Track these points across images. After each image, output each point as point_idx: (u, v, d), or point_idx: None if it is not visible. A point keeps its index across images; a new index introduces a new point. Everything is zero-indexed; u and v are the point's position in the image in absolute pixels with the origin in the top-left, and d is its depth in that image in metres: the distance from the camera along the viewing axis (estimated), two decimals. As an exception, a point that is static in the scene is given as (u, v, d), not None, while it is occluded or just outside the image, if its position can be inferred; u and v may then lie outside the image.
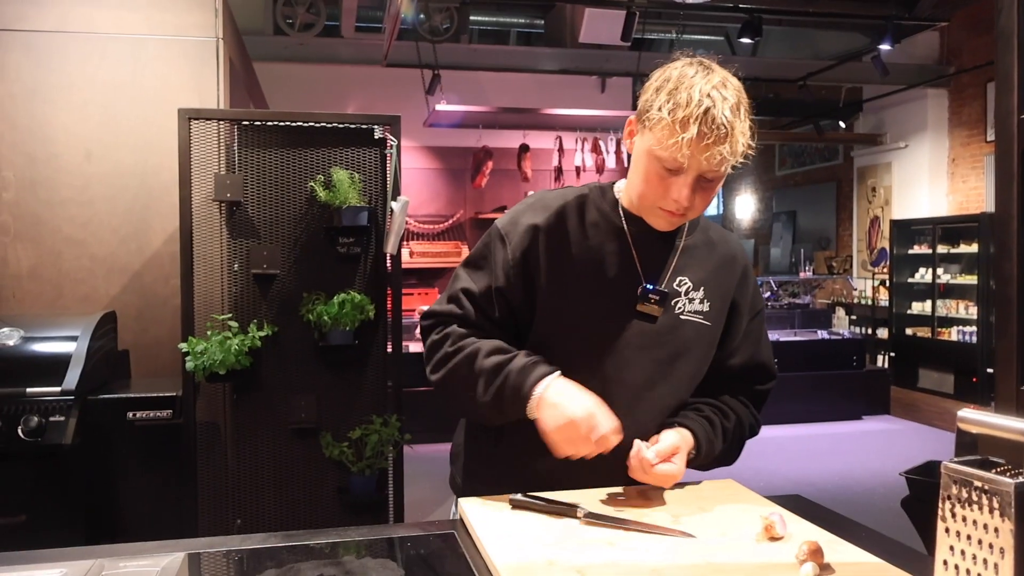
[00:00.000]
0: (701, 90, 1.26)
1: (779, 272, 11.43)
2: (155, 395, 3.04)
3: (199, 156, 3.01)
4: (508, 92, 8.50)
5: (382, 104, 7.49)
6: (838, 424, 6.95)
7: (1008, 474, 0.81)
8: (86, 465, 2.93)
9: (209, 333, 2.92)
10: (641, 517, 1.24)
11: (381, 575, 1.08)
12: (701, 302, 1.45)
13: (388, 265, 3.17)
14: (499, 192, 8.88)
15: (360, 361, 3.12)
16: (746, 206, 14.12)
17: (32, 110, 3.47)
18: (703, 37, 10.66)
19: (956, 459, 0.87)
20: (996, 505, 0.80)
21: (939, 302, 8.59)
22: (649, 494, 1.35)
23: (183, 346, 2.91)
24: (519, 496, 1.24)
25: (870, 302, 9.70)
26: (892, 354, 8.97)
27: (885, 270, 9.40)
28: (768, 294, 9.06)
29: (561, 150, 8.09)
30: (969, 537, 0.83)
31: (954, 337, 8.32)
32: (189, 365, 2.87)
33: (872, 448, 6.27)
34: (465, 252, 8.71)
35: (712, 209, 16.00)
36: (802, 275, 10.26)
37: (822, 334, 7.73)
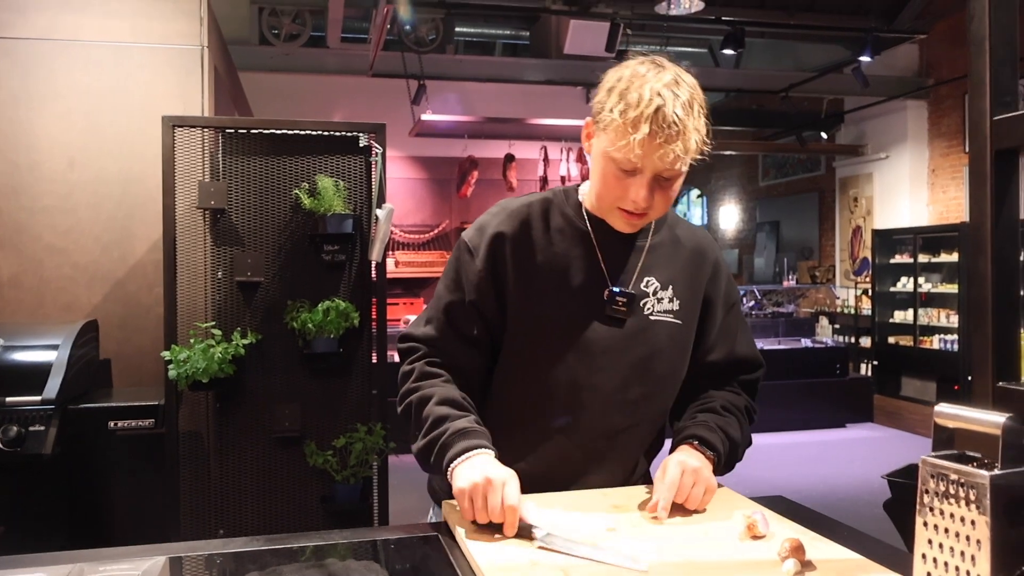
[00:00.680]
0: (652, 88, 1.25)
1: (763, 281, 11.49)
2: (137, 404, 3.03)
3: (183, 164, 3.01)
4: (494, 102, 8.54)
5: (368, 114, 7.49)
6: (822, 432, 6.98)
7: (984, 467, 0.83)
8: (67, 475, 2.91)
9: (192, 341, 2.91)
10: (620, 519, 1.24)
11: (364, 576, 1.08)
12: (670, 301, 1.44)
13: (373, 272, 3.16)
14: (485, 202, 8.89)
15: (345, 369, 3.12)
16: (730, 216, 14.20)
17: (15, 117, 3.46)
18: (687, 49, 10.75)
19: (933, 453, 0.88)
20: (972, 497, 0.82)
21: (921, 311, 8.66)
22: (630, 496, 1.36)
23: (166, 354, 2.90)
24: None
25: (853, 311, 9.77)
26: (875, 362, 9.04)
27: (867, 279, 9.48)
28: (752, 303, 9.11)
29: (546, 160, 8.12)
30: (947, 530, 0.84)
31: (936, 345, 8.39)
32: (172, 373, 2.86)
33: (856, 455, 6.31)
34: (450, 262, 8.69)
35: (696, 220, 16.09)
36: (785, 284, 10.32)
37: (806, 342, 7.78)
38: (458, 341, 1.43)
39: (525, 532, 1.14)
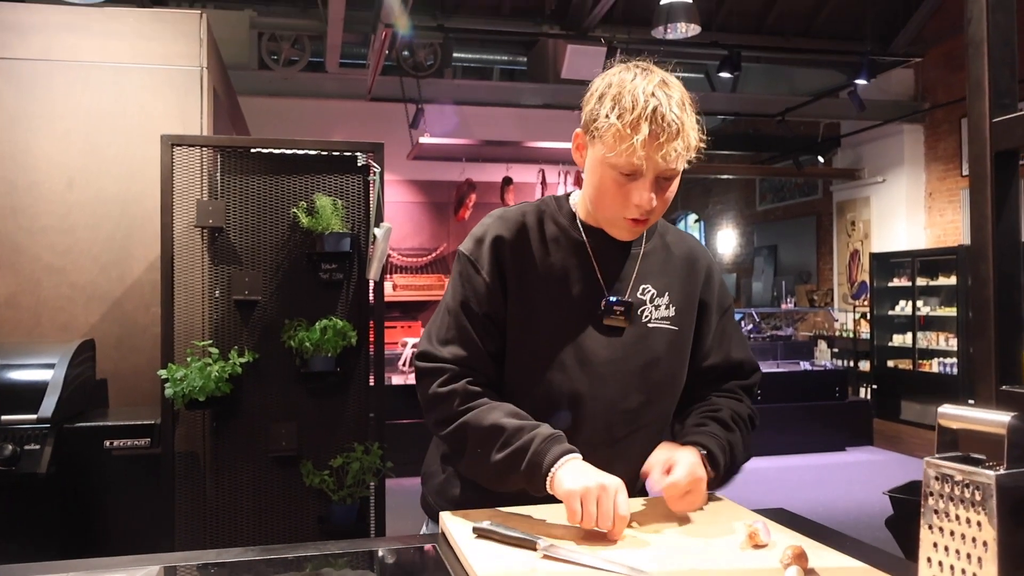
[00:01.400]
0: (644, 91, 1.27)
1: (761, 305, 11.49)
2: (133, 423, 3.00)
3: (181, 182, 3.01)
4: (491, 126, 8.58)
5: (366, 137, 7.50)
6: (822, 455, 6.94)
7: (989, 468, 0.82)
8: (62, 495, 2.88)
9: (189, 359, 2.89)
10: (624, 529, 1.22)
11: (361, 586, 1.06)
12: (667, 308, 1.43)
13: (371, 291, 3.16)
14: (482, 225, 8.89)
15: (342, 388, 3.10)
16: (728, 240, 14.24)
17: (14, 137, 3.47)
18: (683, 75, 10.81)
19: (937, 455, 0.87)
20: (978, 498, 0.80)
21: (919, 334, 8.66)
22: (632, 507, 1.34)
23: (162, 372, 2.88)
24: (484, 524, 1.18)
25: (851, 335, 9.76)
26: (874, 386, 9.01)
27: (866, 303, 9.48)
28: (750, 326, 9.10)
29: (544, 183, 8.15)
30: (952, 533, 0.83)
31: (935, 369, 8.38)
32: (168, 391, 2.84)
33: (856, 478, 6.26)
34: (448, 285, 8.70)
35: (694, 244, 16.09)
36: (784, 307, 10.32)
37: (804, 365, 7.76)
38: (486, 357, 1.40)
39: (527, 543, 1.13)
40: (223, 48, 4.64)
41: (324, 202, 3.02)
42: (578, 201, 1.47)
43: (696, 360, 1.49)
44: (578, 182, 8.14)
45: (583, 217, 1.45)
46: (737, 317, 9.60)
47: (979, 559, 0.80)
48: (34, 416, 2.82)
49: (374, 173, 3.14)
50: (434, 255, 9.20)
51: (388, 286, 8.45)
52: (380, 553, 1.21)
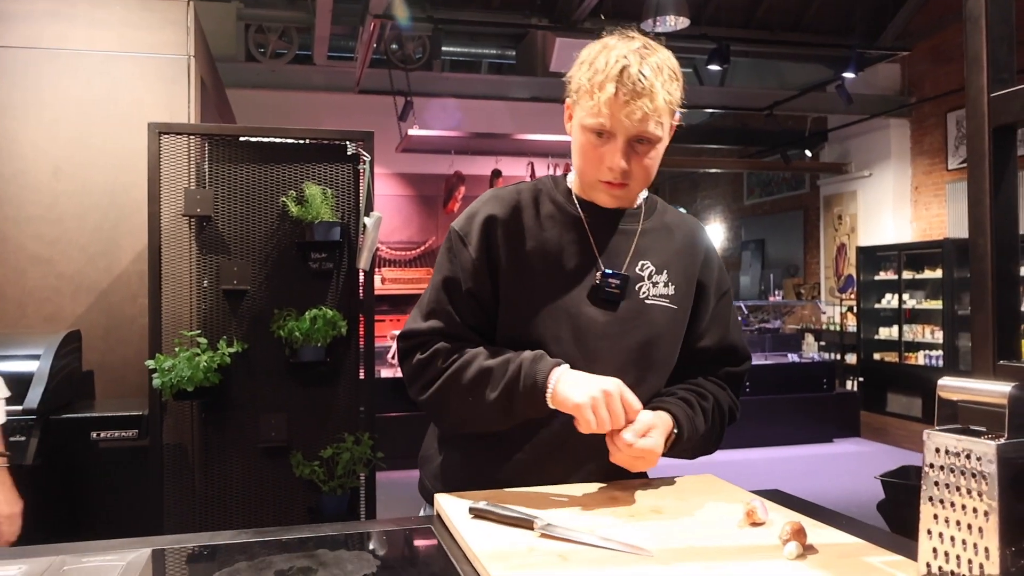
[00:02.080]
0: (619, 53, 1.29)
1: (749, 299, 11.53)
2: (120, 414, 2.98)
3: (169, 171, 2.98)
4: (481, 119, 8.56)
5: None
6: (810, 447, 6.98)
7: (990, 438, 0.81)
8: (48, 486, 2.85)
9: (177, 350, 2.87)
10: (619, 511, 1.22)
11: (357, 567, 1.05)
12: (666, 285, 1.42)
13: (361, 281, 3.14)
14: (471, 219, 8.87)
15: (332, 378, 3.08)
16: (715, 235, 14.27)
17: (0, 126, 3.43)
18: (671, 68, 10.83)
19: (938, 427, 0.87)
20: (979, 469, 0.80)
21: (905, 327, 8.70)
22: (628, 487, 1.34)
23: (150, 363, 2.85)
24: (481, 504, 1.18)
25: (838, 328, 9.81)
26: (860, 379, 9.06)
27: (852, 296, 9.52)
28: (739, 319, 9.13)
29: (533, 176, 8.13)
30: (953, 504, 0.83)
31: (921, 361, 8.43)
32: (156, 382, 2.81)
33: (844, 469, 6.30)
34: (437, 279, 8.69)
35: (682, 238, 16.13)
36: (772, 299, 10.36)
37: (792, 358, 7.79)
38: (467, 330, 1.40)
39: (525, 522, 1.12)
40: (210, 40, 4.60)
41: (314, 191, 3.00)
42: (574, 178, 1.47)
43: (690, 341, 1.48)
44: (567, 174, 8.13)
45: (579, 193, 1.45)
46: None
47: (980, 529, 0.80)
48: (20, 407, 2.78)
49: (364, 162, 3.13)
50: (423, 248, 9.18)
51: (377, 279, 8.42)
52: (376, 534, 1.20)
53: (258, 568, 1.03)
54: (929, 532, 0.85)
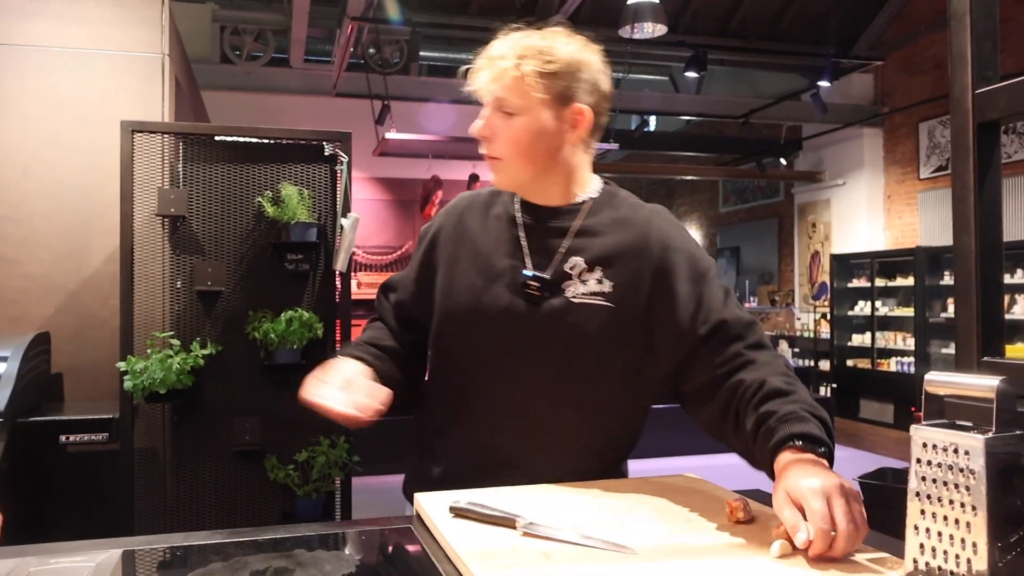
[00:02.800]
0: (502, 35, 1.40)
1: (724, 306, 11.59)
2: (90, 417, 2.92)
3: (142, 170, 2.94)
4: (458, 123, 8.54)
5: (330, 134, 7.45)
6: (784, 453, 7.01)
7: (977, 432, 0.81)
8: (15, 492, 2.78)
9: (149, 351, 2.82)
10: (600, 509, 1.20)
11: (336, 567, 1.03)
12: (599, 282, 1.36)
13: (338, 283, 3.11)
14: (448, 224, 8.84)
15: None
16: (691, 242, 14.34)
17: (-34, 123, 3.36)
18: (649, 77, 10.92)
19: (925, 422, 0.86)
20: (966, 464, 0.80)
21: (878, 334, 8.80)
22: (609, 487, 1.32)
23: (121, 365, 2.80)
24: (461, 503, 1.15)
25: (812, 335, 9.89)
26: (834, 385, 9.14)
27: (826, 303, 9.61)
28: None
29: (510, 182, 8.11)
30: (940, 499, 0.82)
31: (893, 368, 8.52)
32: (128, 384, 2.76)
33: (818, 476, 6.33)
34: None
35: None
36: (747, 306, 10.43)
37: (768, 364, 7.82)
38: (387, 332, 1.52)
39: (507, 521, 1.10)
40: (185, 41, 4.55)
41: (290, 191, 2.96)
42: None
43: (687, 336, 1.35)
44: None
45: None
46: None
47: (968, 524, 0.79)
48: (-14, 410, 2.72)
49: (341, 162, 3.10)
50: (399, 253, 9.13)
51: (352, 284, 8.37)
52: (354, 534, 1.17)
53: (233, 568, 1.00)
54: (916, 528, 0.85)
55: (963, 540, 0.80)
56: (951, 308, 7.99)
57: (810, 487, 0.99)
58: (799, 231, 10.80)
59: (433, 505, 1.19)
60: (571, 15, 7.54)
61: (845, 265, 9.29)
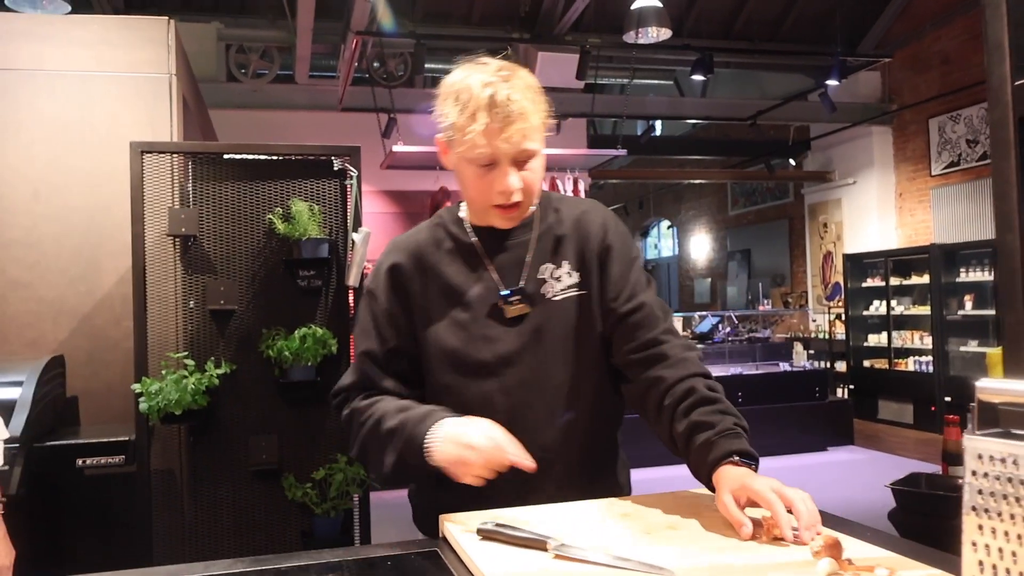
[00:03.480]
0: (480, 81, 1.30)
1: (736, 309, 11.53)
2: (106, 440, 2.90)
3: (152, 190, 2.92)
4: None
5: (338, 148, 7.44)
6: (804, 456, 6.93)
7: (1036, 442, 0.77)
8: (33, 517, 2.76)
9: (164, 372, 2.80)
10: (633, 528, 1.16)
11: (362, 596, 0.99)
12: (569, 275, 1.42)
13: (351, 298, 3.08)
14: (457, 235, 8.82)
15: (323, 398, 3.01)
16: (701, 246, 14.30)
17: (-25, 149, 3.35)
18: (653, 81, 10.88)
19: (979, 432, 0.82)
20: (1027, 475, 0.76)
21: (894, 333, 8.71)
22: (639, 503, 1.28)
23: (136, 386, 2.78)
24: (489, 525, 1.13)
25: (826, 336, 9.80)
26: (851, 386, 9.05)
27: (840, 304, 9.52)
28: (728, 329, 9.10)
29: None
30: (1000, 514, 0.78)
31: (911, 367, 8.42)
32: (143, 406, 2.74)
33: (840, 477, 6.26)
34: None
35: (668, 250, 16.19)
36: (760, 309, 10.36)
37: (784, 366, 7.75)
38: (384, 378, 1.43)
39: (537, 543, 1.06)
40: (191, 61, 4.54)
41: (300, 207, 2.94)
42: (466, 207, 1.48)
43: (610, 314, 1.41)
44: (552, 187, 8.11)
45: (471, 220, 1.46)
46: (714, 320, 9.66)
47: (1030, 539, 0.75)
48: (2, 436, 2.70)
49: (351, 177, 3.07)
50: (409, 266, 9.11)
51: (363, 298, 8.34)
52: (379, 560, 1.14)
53: (257, 601, 0.97)
54: (974, 544, 0.81)
55: (1026, 556, 0.76)
56: (968, 305, 7.90)
57: (760, 488, 1.13)
58: (810, 232, 10.72)
59: (459, 528, 1.16)
60: (574, 22, 7.54)
61: (858, 265, 9.21)
